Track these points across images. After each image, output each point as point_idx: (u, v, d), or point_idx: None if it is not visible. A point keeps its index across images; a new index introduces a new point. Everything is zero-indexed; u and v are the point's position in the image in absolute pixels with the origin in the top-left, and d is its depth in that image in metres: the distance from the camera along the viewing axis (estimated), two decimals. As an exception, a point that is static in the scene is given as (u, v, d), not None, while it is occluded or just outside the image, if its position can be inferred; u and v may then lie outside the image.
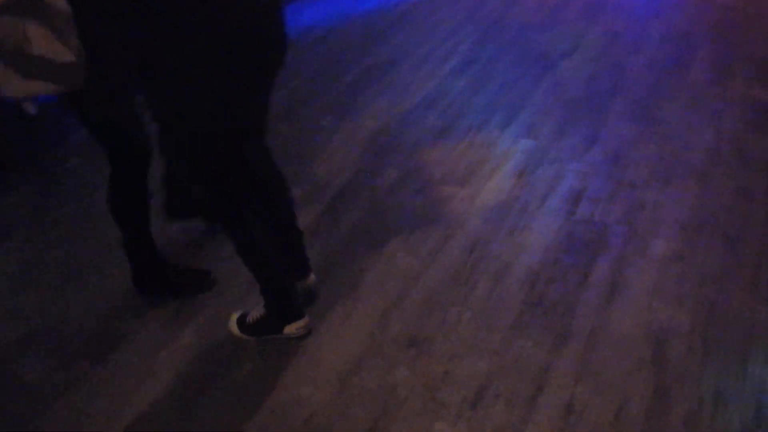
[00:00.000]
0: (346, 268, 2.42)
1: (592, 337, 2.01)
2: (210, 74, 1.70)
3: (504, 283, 2.25)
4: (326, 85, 3.83)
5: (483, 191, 2.71)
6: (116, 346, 2.25)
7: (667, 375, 1.86)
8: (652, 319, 2.03)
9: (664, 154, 2.75)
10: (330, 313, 2.24)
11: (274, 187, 2.13)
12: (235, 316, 2.19)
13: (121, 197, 2.20)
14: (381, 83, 3.86)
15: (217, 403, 1.98)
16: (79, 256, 2.72)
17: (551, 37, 4.01)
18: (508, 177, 2.78)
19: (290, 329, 2.12)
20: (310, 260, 2.28)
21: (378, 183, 2.84)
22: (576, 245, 2.36)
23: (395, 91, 3.73)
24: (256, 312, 2.15)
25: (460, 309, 2.18)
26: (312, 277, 2.28)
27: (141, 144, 2.09)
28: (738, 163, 2.62)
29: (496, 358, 1.99)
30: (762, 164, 2.57)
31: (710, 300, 2.06)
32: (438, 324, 2.14)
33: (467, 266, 2.35)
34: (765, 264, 2.13)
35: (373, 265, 2.41)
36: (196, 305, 2.35)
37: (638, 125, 2.97)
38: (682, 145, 2.78)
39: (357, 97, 3.70)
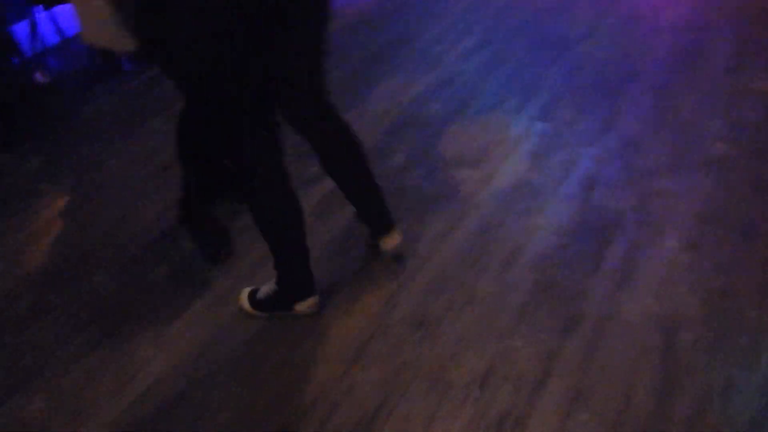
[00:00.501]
0: (355, 248, 2.40)
1: (601, 323, 1.99)
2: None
3: (514, 267, 2.23)
4: (338, 63, 3.80)
5: (496, 174, 2.69)
6: (127, 317, 2.26)
7: (677, 364, 1.85)
8: (662, 307, 2.02)
9: (680, 142, 2.71)
10: (338, 292, 2.23)
11: (339, 146, 2.08)
12: (246, 291, 2.19)
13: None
14: (394, 62, 3.83)
15: (225, 379, 1.99)
16: (87, 229, 2.73)
17: (568, 21, 3.96)
18: (521, 160, 2.75)
19: (301, 307, 2.12)
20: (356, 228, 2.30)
21: (389, 163, 2.83)
22: (588, 231, 2.33)
23: (408, 70, 3.70)
24: (267, 287, 2.14)
25: (469, 291, 2.16)
26: (398, 234, 2.24)
27: None
28: (755, 155, 2.58)
29: (504, 341, 1.98)
30: (780, 155, 2.54)
31: (722, 290, 2.04)
32: (446, 306, 2.13)
33: (478, 249, 2.33)
34: (779, 257, 2.11)
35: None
36: (206, 279, 2.35)
37: (655, 112, 2.93)
38: (699, 134, 2.74)
39: (369, 75, 3.67)
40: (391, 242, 2.24)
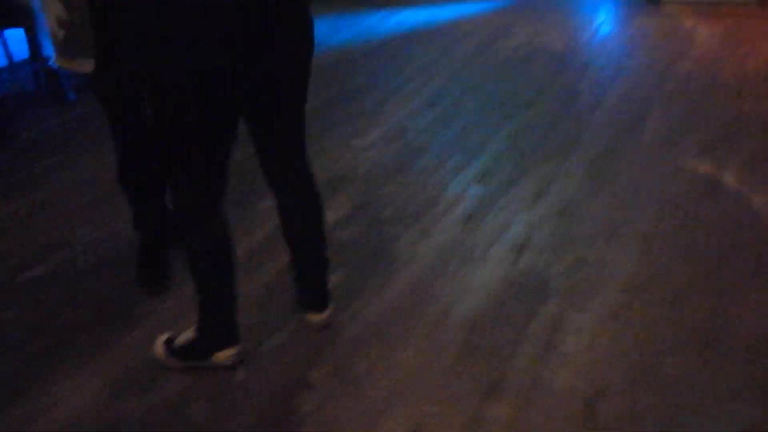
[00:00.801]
0: (284, 300, 2.38)
1: (525, 389, 2.00)
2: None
3: (443, 327, 2.24)
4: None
5: (431, 233, 2.72)
6: (48, 347, 2.20)
7: (595, 434, 1.86)
8: (585, 376, 2.04)
9: (611, 212, 2.80)
10: (264, 342, 2.20)
11: (303, 208, 2.13)
12: (162, 338, 2.13)
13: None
14: (343, 114, 3.88)
15: (135, 428, 1.92)
16: (18, 253, 2.65)
17: (515, 87, 4.09)
18: (457, 221, 2.79)
19: (220, 356, 2.07)
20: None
21: (328, 216, 2.82)
22: (517, 295, 2.37)
23: (356, 123, 3.75)
24: (186, 334, 2.09)
25: (396, 350, 2.16)
26: (327, 312, 2.23)
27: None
28: (681, 226, 2.67)
29: (428, 403, 1.97)
30: (704, 231, 2.63)
31: (644, 362, 2.08)
32: (372, 364, 2.11)
33: (408, 307, 2.34)
34: (701, 328, 2.17)
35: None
36: (135, 315, 2.31)
37: (589, 182, 3.03)
38: (630, 204, 2.84)
39: (317, 126, 3.70)
40: (319, 318, 2.23)
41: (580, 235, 2.66)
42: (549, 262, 2.52)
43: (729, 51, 4.44)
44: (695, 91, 3.87)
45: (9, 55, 4.56)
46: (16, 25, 4.07)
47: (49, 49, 4.03)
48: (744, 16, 5.04)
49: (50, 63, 4.02)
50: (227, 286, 2.01)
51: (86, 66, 2.03)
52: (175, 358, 2.09)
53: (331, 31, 5.41)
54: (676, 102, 3.77)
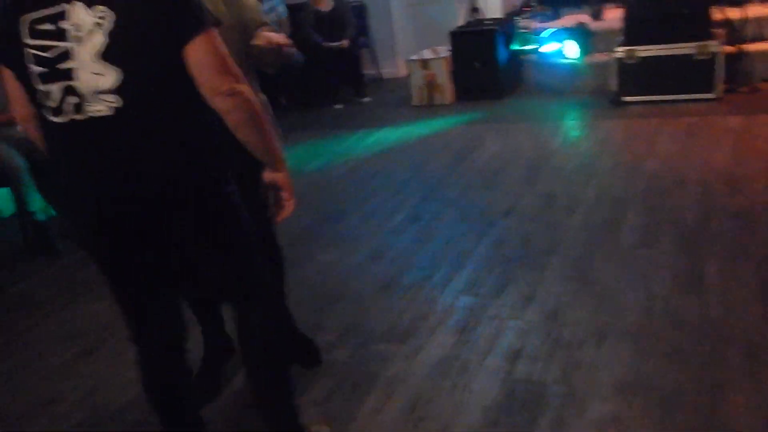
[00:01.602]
0: (283, 428, 2.35)
1: (531, 504, 1.97)
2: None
3: (443, 446, 2.22)
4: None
5: (424, 348, 2.73)
6: None
7: None
8: (590, 485, 2.01)
9: (598, 313, 2.83)
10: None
11: (257, 359, 2.10)
12: None
13: None
14: (327, 236, 3.96)
15: None
16: None
17: (491, 197, 4.22)
18: (449, 334, 2.81)
19: None
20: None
21: (320, 338, 2.84)
22: (515, 405, 2.36)
23: (341, 244, 3.82)
24: None
25: (398, 473, 2.12)
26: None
27: None
28: (669, 324, 2.71)
29: None
30: (691, 326, 2.66)
31: (647, 465, 2.06)
32: (375, 490, 2.07)
33: (407, 426, 2.31)
34: (697, 427, 2.16)
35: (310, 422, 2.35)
36: None
37: (574, 284, 3.08)
38: (616, 305, 2.88)
39: (302, 249, 3.77)
40: None
41: (572, 339, 2.68)
42: (544, 368, 2.52)
43: (693, 148, 4.63)
44: (665, 189, 4.01)
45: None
46: (3, 185, 4.23)
47: (35, 204, 4.15)
48: (703, 114, 5.28)
49: (35, 216, 4.14)
50: (176, 414, 2.06)
51: None
52: None
53: (308, 156, 5.60)
54: (647, 200, 3.89)
